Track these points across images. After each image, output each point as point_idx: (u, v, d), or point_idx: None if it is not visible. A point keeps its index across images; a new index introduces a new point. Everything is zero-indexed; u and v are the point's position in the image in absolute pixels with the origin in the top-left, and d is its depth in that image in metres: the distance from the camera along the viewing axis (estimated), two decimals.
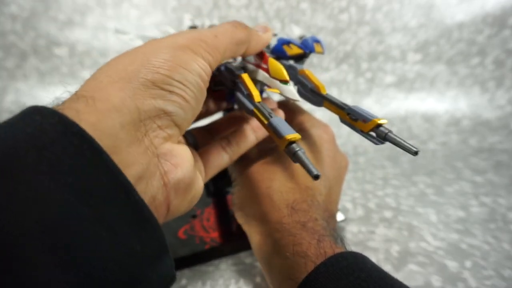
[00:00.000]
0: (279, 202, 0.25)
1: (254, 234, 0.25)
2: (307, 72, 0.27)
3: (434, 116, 0.76)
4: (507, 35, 0.75)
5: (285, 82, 0.25)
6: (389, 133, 0.21)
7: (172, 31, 0.28)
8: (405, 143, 0.20)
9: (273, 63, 0.25)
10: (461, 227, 0.38)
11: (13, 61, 0.68)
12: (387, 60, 0.80)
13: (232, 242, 0.34)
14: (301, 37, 0.31)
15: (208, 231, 0.35)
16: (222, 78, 0.28)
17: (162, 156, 0.18)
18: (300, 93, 0.27)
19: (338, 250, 0.22)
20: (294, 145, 0.19)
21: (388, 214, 0.40)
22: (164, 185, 0.17)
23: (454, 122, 0.75)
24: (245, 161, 0.28)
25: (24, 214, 0.11)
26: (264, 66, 0.26)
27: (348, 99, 0.80)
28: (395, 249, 0.35)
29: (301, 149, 0.18)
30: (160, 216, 0.18)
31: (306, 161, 0.18)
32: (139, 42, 0.27)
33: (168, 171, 0.18)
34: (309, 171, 0.18)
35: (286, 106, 0.33)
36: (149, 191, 0.17)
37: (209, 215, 0.37)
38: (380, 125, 0.21)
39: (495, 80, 0.77)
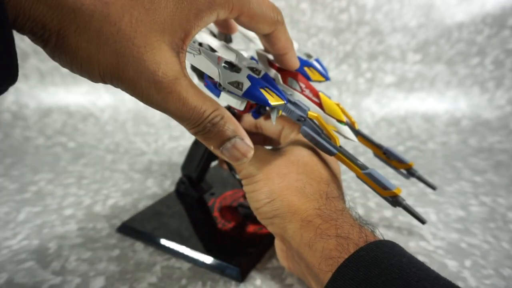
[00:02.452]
0: (313, 192, 0.26)
1: (291, 224, 0.25)
2: (338, 104, 0.29)
3: (434, 116, 0.77)
4: (506, 35, 0.75)
5: (341, 122, 0.27)
6: (416, 173, 0.34)
7: None
8: (427, 180, 0.35)
9: (327, 100, 0.27)
10: (461, 226, 0.38)
11: None
12: (387, 60, 0.80)
13: None
14: (308, 55, 0.31)
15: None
16: (288, 114, 0.27)
17: None
18: None
19: (377, 238, 0.23)
20: (399, 197, 0.26)
21: (388, 213, 0.40)
22: None
23: (454, 122, 0.75)
24: (266, 157, 0.27)
25: None
26: (316, 100, 0.28)
27: (348, 99, 0.80)
28: None
29: (404, 200, 0.27)
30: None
31: (412, 209, 0.27)
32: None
33: None
34: (419, 219, 0.28)
35: None
36: None
37: None
38: (411, 167, 0.33)
39: (494, 80, 0.77)
